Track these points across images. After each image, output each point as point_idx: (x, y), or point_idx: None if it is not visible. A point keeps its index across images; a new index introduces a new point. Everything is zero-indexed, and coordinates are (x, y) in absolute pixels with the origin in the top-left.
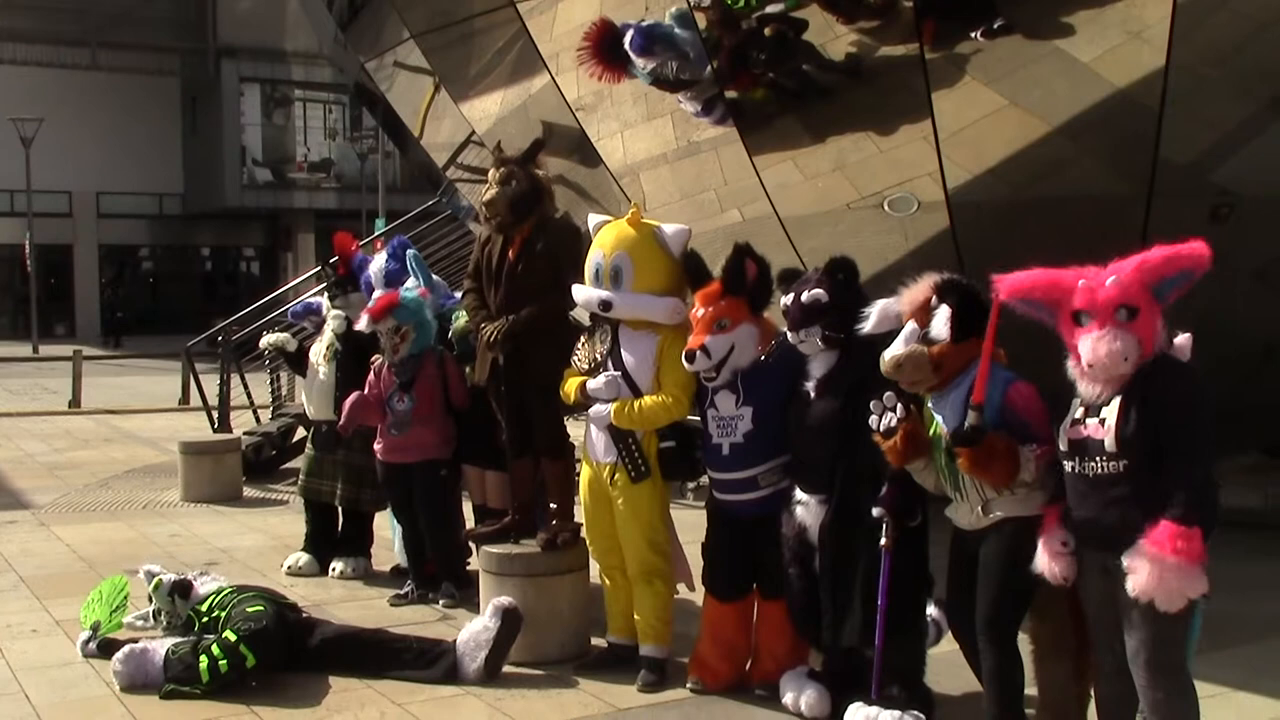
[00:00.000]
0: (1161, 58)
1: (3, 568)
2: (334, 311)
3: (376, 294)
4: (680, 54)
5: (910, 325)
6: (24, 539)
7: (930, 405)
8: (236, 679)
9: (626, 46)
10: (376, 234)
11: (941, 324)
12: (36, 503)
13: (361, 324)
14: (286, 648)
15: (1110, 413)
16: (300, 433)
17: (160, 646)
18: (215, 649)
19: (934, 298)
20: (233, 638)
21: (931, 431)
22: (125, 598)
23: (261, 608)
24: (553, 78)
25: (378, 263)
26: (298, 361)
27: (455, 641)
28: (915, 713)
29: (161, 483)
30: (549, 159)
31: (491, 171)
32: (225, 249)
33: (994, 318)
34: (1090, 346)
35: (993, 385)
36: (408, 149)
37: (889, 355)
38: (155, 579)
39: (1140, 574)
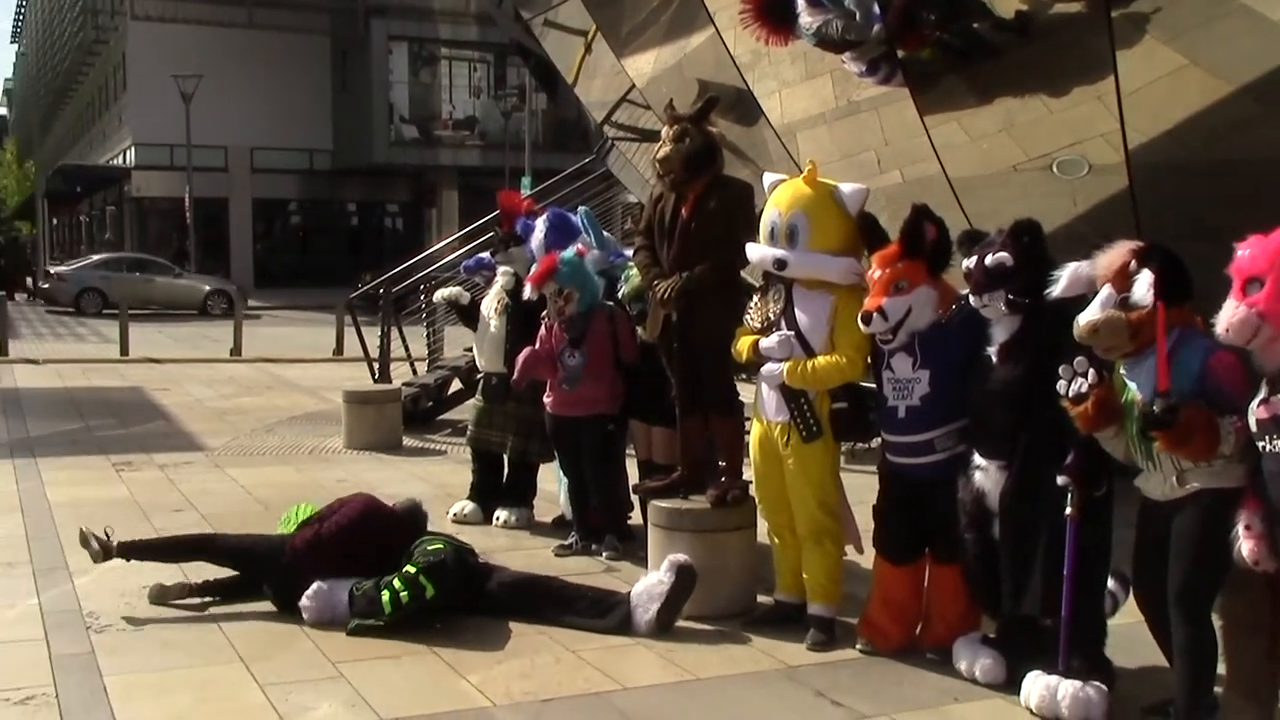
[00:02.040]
0: None
1: (185, 506)
2: (503, 268)
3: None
4: (846, 13)
5: (1106, 290)
6: (201, 479)
7: (1123, 372)
8: (417, 609)
9: None
10: (527, 195)
11: (1144, 289)
12: (209, 445)
13: (527, 292)
14: (466, 587)
15: None
16: (456, 385)
17: (344, 585)
18: (397, 582)
19: (1133, 262)
20: (413, 569)
21: (1124, 399)
22: None
23: (441, 546)
24: (718, 32)
25: (537, 237)
26: (469, 315)
27: (629, 593)
28: (1096, 683)
29: (324, 430)
30: None
31: (665, 129)
32: (371, 205)
33: (1161, 312)
34: (1221, 313)
35: (1192, 353)
36: (560, 101)
37: (1085, 320)
38: None
39: None
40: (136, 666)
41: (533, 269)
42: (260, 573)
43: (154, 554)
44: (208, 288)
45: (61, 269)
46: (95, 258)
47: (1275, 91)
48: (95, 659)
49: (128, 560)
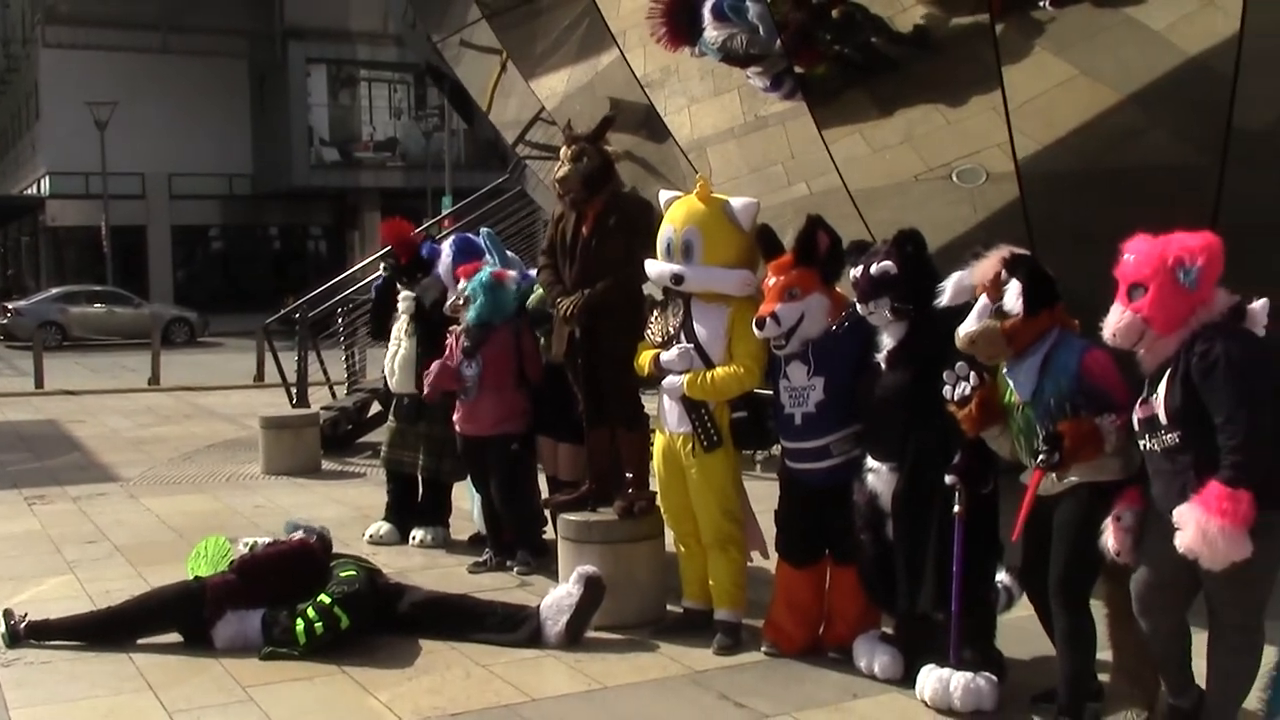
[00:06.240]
0: (1235, 24)
1: (98, 537)
2: (405, 293)
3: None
4: (750, 28)
5: (982, 300)
6: (115, 510)
7: (1005, 372)
8: (331, 640)
9: (706, 8)
10: (444, 213)
11: (1013, 299)
12: (124, 476)
13: (461, 284)
14: (377, 610)
15: (1162, 387)
16: (375, 407)
17: (256, 612)
18: (310, 612)
19: (1003, 272)
20: (327, 600)
21: (1006, 400)
22: (226, 558)
23: (354, 572)
24: (622, 53)
25: (445, 261)
26: (383, 324)
27: (538, 606)
28: (987, 674)
29: (242, 456)
30: (616, 135)
31: (563, 149)
32: (293, 228)
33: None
34: (1107, 318)
35: (1068, 352)
36: (477, 126)
37: (964, 331)
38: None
39: (1186, 532)
40: (44, 698)
41: (456, 271)
42: (176, 617)
43: (66, 635)
44: (170, 315)
45: (20, 303)
46: (54, 291)
47: (1161, 100)
48: (1, 692)
49: (40, 642)
